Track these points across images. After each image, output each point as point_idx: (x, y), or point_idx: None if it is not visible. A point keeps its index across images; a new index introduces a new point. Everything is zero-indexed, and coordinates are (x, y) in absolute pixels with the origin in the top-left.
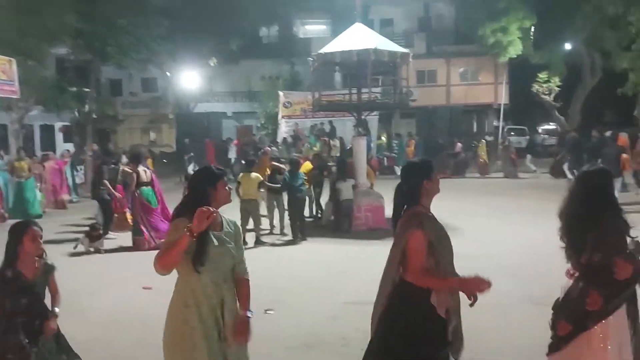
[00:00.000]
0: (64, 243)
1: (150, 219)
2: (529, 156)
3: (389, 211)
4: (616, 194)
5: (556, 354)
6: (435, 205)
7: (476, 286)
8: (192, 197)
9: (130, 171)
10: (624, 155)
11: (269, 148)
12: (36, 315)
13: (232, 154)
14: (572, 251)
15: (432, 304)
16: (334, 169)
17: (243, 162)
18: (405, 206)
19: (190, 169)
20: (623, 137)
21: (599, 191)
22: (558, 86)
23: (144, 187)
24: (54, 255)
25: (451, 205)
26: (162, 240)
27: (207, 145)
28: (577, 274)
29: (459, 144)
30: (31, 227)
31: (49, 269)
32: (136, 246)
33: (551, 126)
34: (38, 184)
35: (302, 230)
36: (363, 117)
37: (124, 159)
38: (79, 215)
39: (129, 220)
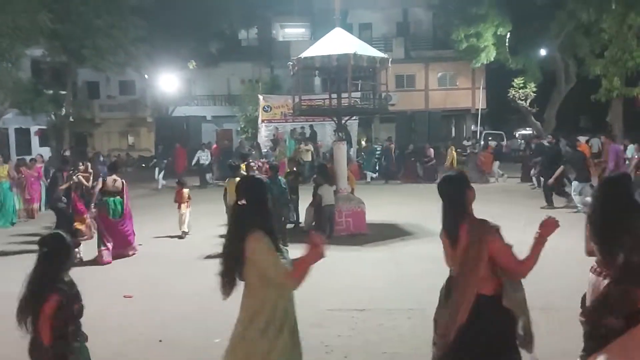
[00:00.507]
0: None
1: (110, 231)
2: (497, 162)
3: (370, 216)
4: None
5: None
6: (408, 210)
7: (552, 226)
8: (256, 208)
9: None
10: (595, 160)
11: (256, 162)
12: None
13: (205, 159)
14: (604, 254)
15: (506, 309)
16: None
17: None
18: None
19: (160, 176)
20: (583, 144)
21: (617, 195)
22: (534, 92)
23: (110, 197)
24: (29, 264)
25: (424, 209)
26: (127, 250)
27: (178, 151)
28: (606, 273)
29: (431, 150)
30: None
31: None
32: (97, 258)
33: (528, 131)
34: (16, 190)
35: (282, 236)
36: (343, 122)
37: (81, 167)
38: (44, 224)
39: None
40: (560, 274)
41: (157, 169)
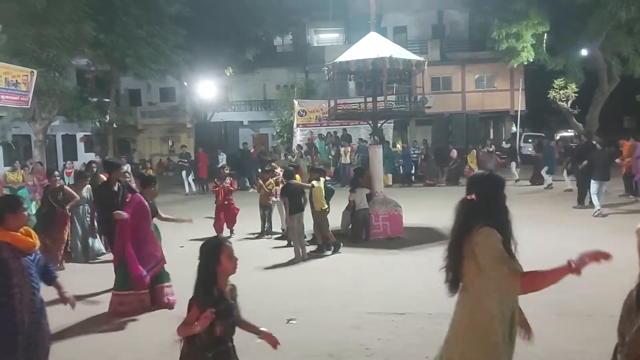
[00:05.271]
0: None
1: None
2: (513, 163)
3: (406, 220)
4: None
5: None
6: (446, 214)
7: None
8: (486, 204)
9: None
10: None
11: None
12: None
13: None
14: None
15: None
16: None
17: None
18: None
19: (190, 179)
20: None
21: None
22: (575, 93)
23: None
24: None
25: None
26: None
27: (200, 156)
28: None
29: (455, 151)
30: (225, 244)
31: (236, 293)
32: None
33: (569, 133)
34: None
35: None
36: (379, 125)
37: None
38: None
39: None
40: (607, 278)
41: (184, 172)
